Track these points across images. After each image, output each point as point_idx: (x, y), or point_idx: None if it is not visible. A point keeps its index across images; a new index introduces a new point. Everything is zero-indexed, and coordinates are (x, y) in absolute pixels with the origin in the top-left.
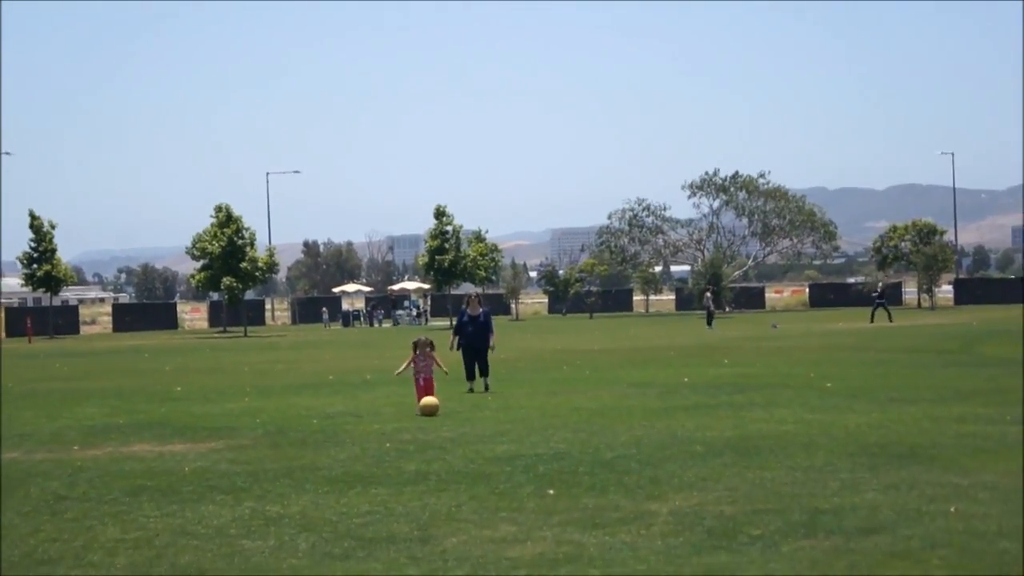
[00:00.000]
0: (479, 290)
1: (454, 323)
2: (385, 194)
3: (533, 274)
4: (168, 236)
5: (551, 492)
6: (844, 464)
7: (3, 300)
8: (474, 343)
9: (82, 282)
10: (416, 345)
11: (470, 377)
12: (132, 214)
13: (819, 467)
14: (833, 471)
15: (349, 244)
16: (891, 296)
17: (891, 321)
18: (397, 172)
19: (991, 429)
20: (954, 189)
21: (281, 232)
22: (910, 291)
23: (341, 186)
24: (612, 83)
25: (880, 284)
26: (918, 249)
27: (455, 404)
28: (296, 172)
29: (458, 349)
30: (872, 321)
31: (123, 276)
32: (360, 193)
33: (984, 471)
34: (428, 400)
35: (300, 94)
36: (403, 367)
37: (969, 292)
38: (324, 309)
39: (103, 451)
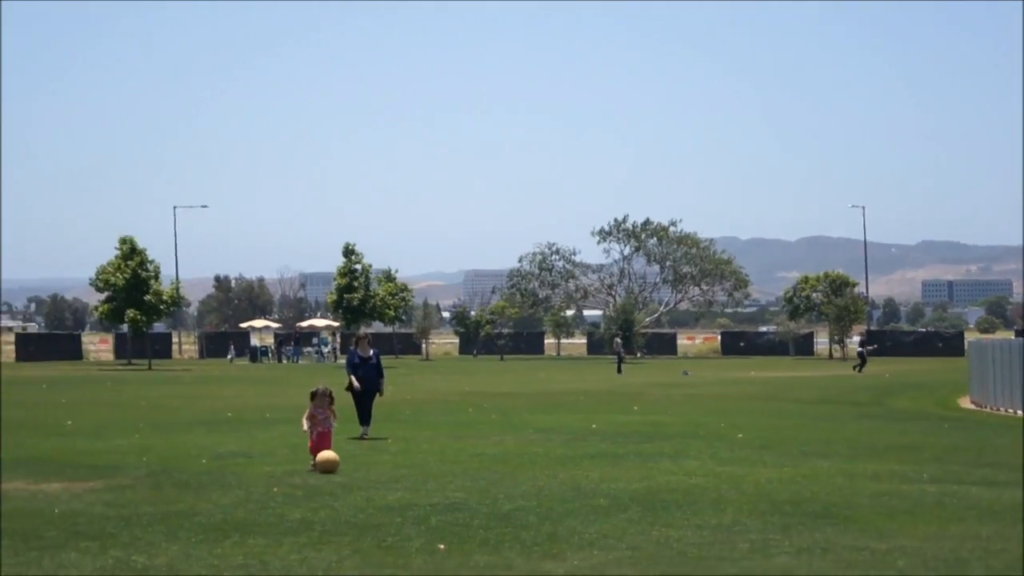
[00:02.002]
0: (368, 330)
1: (346, 363)
2: (298, 231)
3: (446, 314)
4: (78, 267)
5: (441, 547)
6: (754, 523)
7: None
8: (365, 385)
9: None
10: (314, 396)
11: (364, 421)
12: (40, 244)
13: (728, 526)
14: (743, 531)
15: (261, 280)
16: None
17: (859, 371)
18: (311, 210)
19: (908, 488)
20: (865, 242)
21: (192, 267)
22: (822, 341)
23: (253, 222)
24: (522, 127)
25: (863, 336)
26: (829, 300)
27: (353, 447)
28: (204, 207)
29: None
30: (859, 371)
31: (32, 306)
32: (273, 229)
33: (903, 535)
34: (327, 455)
35: (208, 128)
36: (305, 425)
37: (881, 344)
38: (231, 344)
39: None
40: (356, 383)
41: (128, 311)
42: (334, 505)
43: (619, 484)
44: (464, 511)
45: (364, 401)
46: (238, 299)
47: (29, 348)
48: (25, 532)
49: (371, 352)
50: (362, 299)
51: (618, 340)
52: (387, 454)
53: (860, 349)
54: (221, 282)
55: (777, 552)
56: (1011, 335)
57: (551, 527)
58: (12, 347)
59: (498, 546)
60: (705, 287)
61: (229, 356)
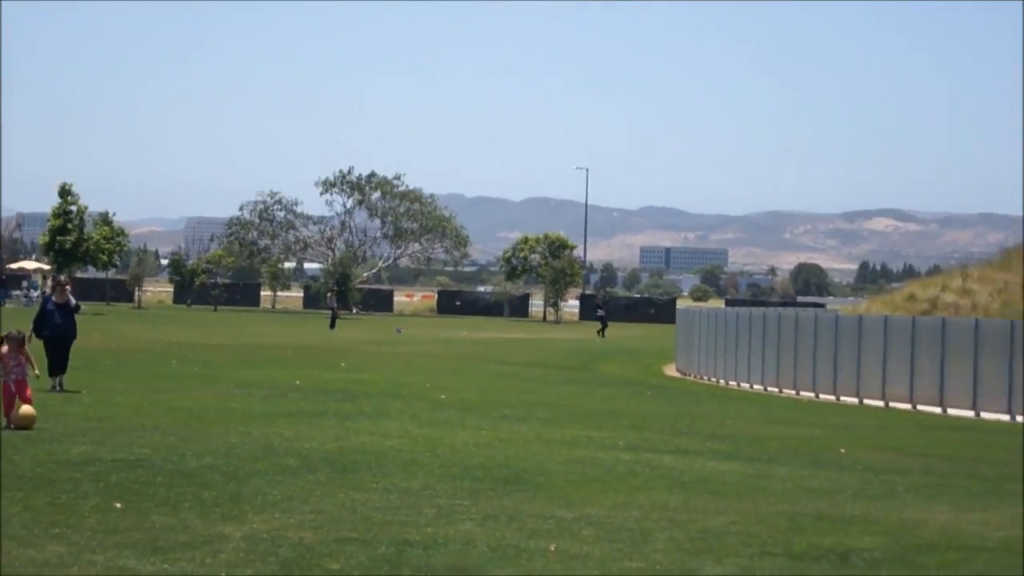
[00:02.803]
0: (65, 275)
1: (39, 310)
2: (17, 169)
3: (164, 261)
4: None
5: (118, 506)
6: (444, 488)
7: None
8: (60, 334)
9: None
10: (5, 340)
11: (54, 371)
12: None
13: (417, 490)
14: (431, 495)
15: None
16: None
17: (602, 336)
18: (29, 145)
19: (603, 455)
20: (586, 204)
21: None
22: (537, 304)
23: None
24: (253, 68)
25: (601, 297)
26: (547, 262)
27: (45, 397)
28: None
29: (40, 340)
30: (601, 336)
31: None
32: None
33: (591, 503)
34: (27, 410)
35: None
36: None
37: (592, 308)
38: None
39: None
40: (32, 337)
41: None
42: (13, 458)
43: (312, 444)
44: (148, 468)
45: (57, 350)
46: None
47: None
48: None
49: (67, 299)
50: (75, 242)
51: (331, 295)
52: (79, 406)
53: (600, 313)
54: None
55: (463, 518)
56: (722, 304)
57: (235, 487)
58: None
59: (177, 506)
60: (425, 243)
61: None
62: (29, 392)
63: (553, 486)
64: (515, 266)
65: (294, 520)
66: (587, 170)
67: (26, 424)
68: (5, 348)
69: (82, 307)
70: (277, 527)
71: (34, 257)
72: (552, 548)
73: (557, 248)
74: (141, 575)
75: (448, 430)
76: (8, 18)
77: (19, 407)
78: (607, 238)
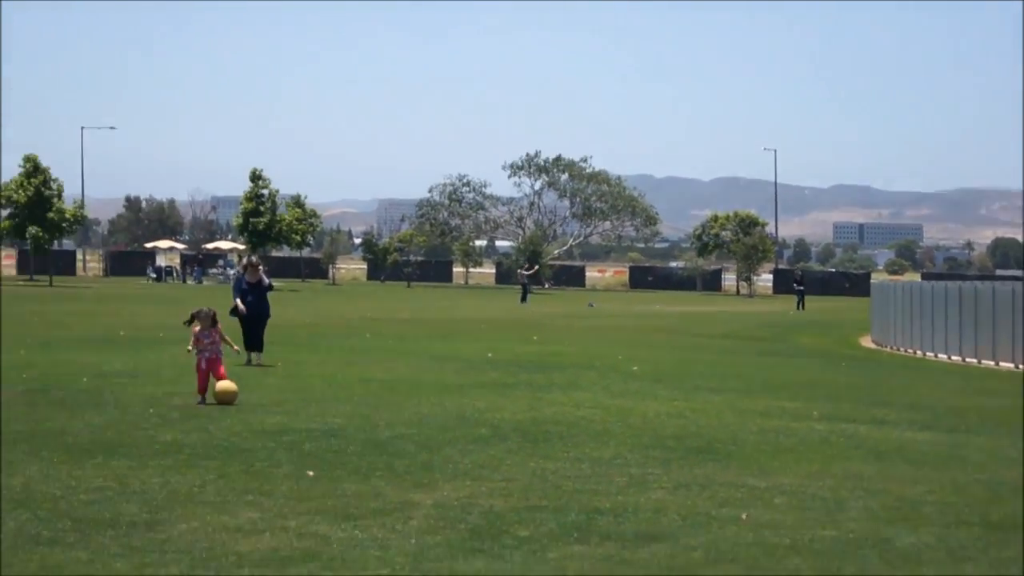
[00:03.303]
0: (256, 256)
1: (233, 287)
2: (213, 155)
3: (357, 241)
4: None
5: (310, 474)
6: (635, 457)
7: None
8: (254, 312)
9: None
10: (194, 317)
11: (250, 347)
12: None
13: (608, 459)
14: (622, 464)
15: (172, 201)
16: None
17: (801, 309)
18: (227, 134)
19: (796, 425)
20: (775, 183)
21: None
22: (729, 278)
23: (167, 145)
24: (436, 58)
25: (798, 271)
26: (738, 239)
27: (240, 370)
28: (112, 128)
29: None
30: (800, 309)
31: None
32: (187, 152)
33: (784, 473)
34: (226, 386)
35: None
36: (191, 345)
37: (786, 283)
38: (154, 263)
39: None
40: (241, 306)
41: (29, 228)
42: (208, 428)
43: (504, 414)
44: (341, 438)
45: (252, 327)
46: (148, 219)
47: None
48: None
49: (260, 278)
50: (268, 223)
51: (521, 271)
52: (274, 378)
53: (798, 287)
54: (131, 202)
55: (654, 487)
56: (918, 277)
57: (427, 456)
58: None
59: (369, 474)
60: (615, 222)
61: (152, 275)
62: (223, 370)
63: (745, 456)
64: (706, 243)
65: (485, 488)
66: (775, 151)
67: (228, 400)
68: (198, 327)
69: (275, 285)
70: (468, 495)
71: (230, 237)
72: (744, 516)
73: (748, 225)
74: (332, 540)
75: (640, 400)
76: (204, 16)
77: (214, 384)
78: (800, 215)
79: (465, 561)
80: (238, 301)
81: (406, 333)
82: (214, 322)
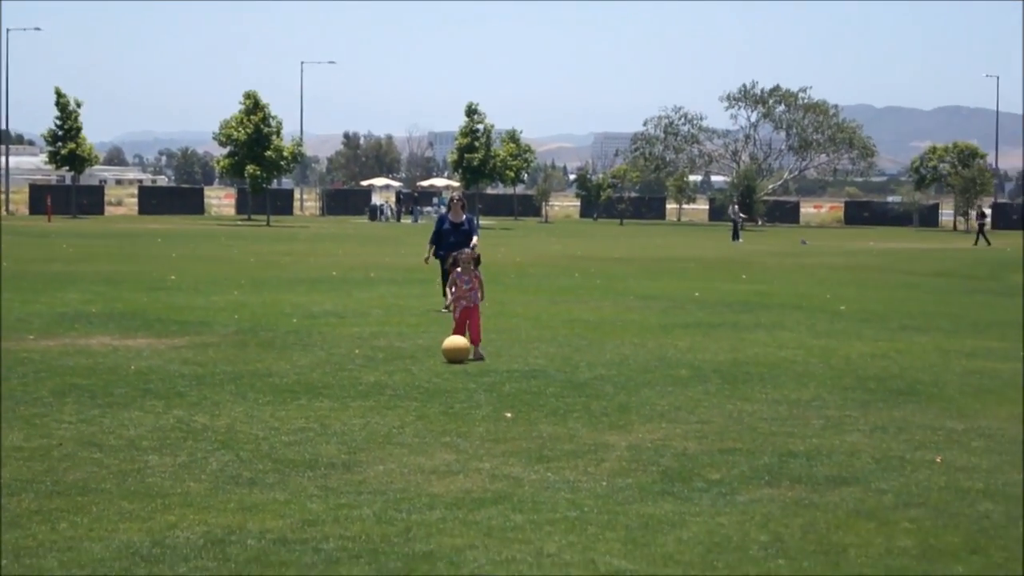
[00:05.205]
0: (459, 192)
1: (434, 230)
2: (432, 90)
3: (572, 177)
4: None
5: (508, 415)
6: (834, 399)
7: (14, 179)
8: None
9: (121, 163)
10: (456, 262)
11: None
12: (169, 98)
13: (807, 401)
14: (820, 406)
15: (389, 138)
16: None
17: (988, 244)
18: (446, 69)
19: (1002, 367)
20: (997, 112)
21: (321, 124)
22: (947, 213)
23: (386, 80)
24: None
25: (979, 206)
26: (956, 171)
27: (441, 315)
28: (331, 63)
29: (435, 260)
30: (977, 244)
31: (163, 159)
32: (406, 88)
33: (983, 415)
34: (457, 342)
35: None
36: (449, 299)
37: (1007, 218)
38: (369, 202)
39: (58, 342)
40: (430, 256)
41: (248, 166)
42: (411, 369)
43: (706, 355)
44: (541, 378)
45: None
46: (366, 156)
47: (152, 202)
48: (94, 389)
49: (463, 217)
50: (483, 159)
51: (734, 207)
52: (481, 318)
53: (980, 221)
54: (350, 139)
55: (851, 429)
56: None
57: (625, 397)
58: (135, 200)
59: (566, 415)
60: (832, 155)
61: (379, 215)
62: (479, 322)
63: (946, 397)
64: (924, 176)
65: (680, 430)
66: (998, 77)
67: (457, 358)
68: (459, 268)
69: (481, 224)
70: (662, 437)
71: (445, 175)
72: (938, 459)
73: (967, 157)
74: (524, 482)
75: (845, 341)
76: None
77: (454, 339)
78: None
79: (654, 504)
80: (432, 249)
81: (615, 272)
82: (477, 262)
